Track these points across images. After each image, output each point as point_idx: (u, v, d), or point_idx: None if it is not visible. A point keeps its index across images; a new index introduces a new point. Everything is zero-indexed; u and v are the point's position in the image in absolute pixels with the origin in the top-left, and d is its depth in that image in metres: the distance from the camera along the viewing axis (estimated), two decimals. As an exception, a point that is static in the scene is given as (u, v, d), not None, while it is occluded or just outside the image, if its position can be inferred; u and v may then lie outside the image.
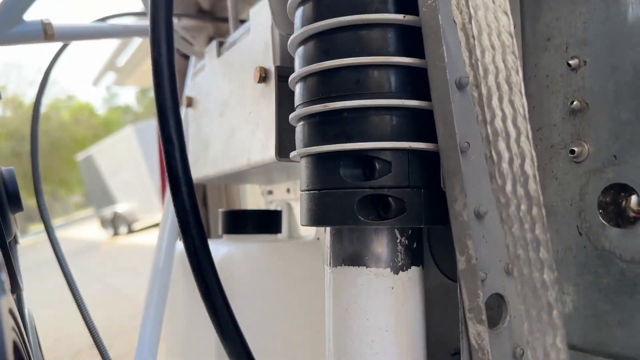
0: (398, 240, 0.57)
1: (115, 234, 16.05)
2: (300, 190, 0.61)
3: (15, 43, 0.96)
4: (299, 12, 0.60)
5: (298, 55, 0.60)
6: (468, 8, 0.47)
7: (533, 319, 0.41)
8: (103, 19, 1.13)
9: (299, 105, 0.60)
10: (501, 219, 0.43)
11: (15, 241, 0.83)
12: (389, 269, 0.56)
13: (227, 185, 1.40)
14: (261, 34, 0.81)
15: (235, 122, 0.87)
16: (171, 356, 1.16)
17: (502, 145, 0.43)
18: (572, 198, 0.56)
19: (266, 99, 0.78)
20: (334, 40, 0.56)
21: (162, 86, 0.71)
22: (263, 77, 0.78)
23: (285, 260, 0.94)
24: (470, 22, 0.47)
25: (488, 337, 0.53)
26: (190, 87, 1.09)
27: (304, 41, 0.59)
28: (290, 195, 1.16)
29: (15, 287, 0.76)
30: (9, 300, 0.52)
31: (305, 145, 0.58)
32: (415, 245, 0.58)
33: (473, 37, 0.46)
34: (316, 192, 0.56)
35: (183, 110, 1.08)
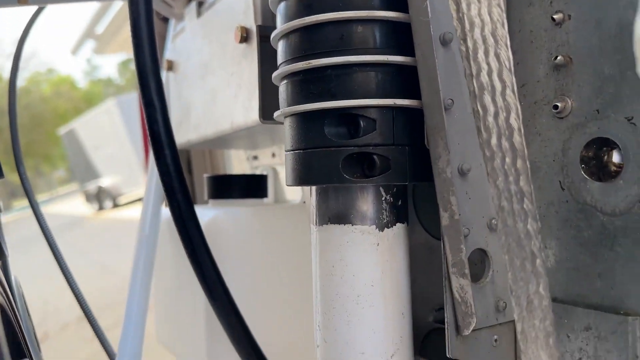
0: (383, 198, 0.57)
1: (100, 208, 15.96)
2: (285, 151, 0.60)
3: (-13, 6, 0.93)
4: (280, -33, 0.59)
5: (280, 11, 0.59)
6: (452, -40, 0.47)
7: (517, 268, 0.41)
8: (79, -18, 1.10)
9: (281, 63, 0.59)
10: (486, 172, 0.43)
11: (-1, 209, 0.82)
12: (374, 226, 0.57)
13: (211, 151, 1.39)
14: (242, -7, 0.79)
15: (217, 85, 0.86)
16: (160, 320, 1.16)
17: (487, 99, 0.43)
18: (554, 154, 0.56)
19: (248, 59, 0.77)
20: (317, -6, 0.55)
21: (141, 47, 0.69)
22: (244, 37, 0.76)
23: (272, 224, 0.94)
24: (454, -26, 0.46)
25: (471, 290, 0.54)
26: (171, 50, 1.06)
27: (286, -3, 0.58)
28: (275, 159, 1.15)
29: (1, 254, 0.76)
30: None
31: (289, 105, 0.58)
32: (400, 202, 0.58)
33: (457, -11, 0.46)
34: (301, 151, 0.56)
35: (164, 75, 1.06)
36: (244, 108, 0.78)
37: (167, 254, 1.04)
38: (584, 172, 0.54)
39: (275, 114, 0.60)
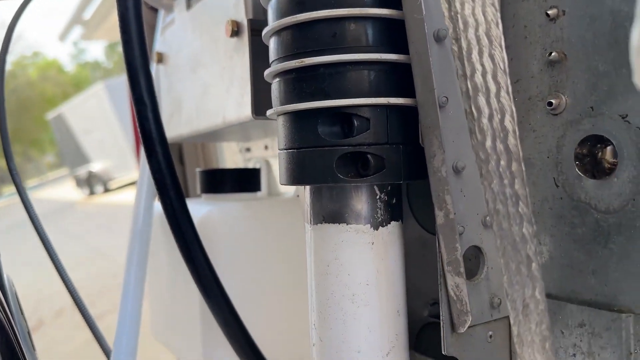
0: (377, 197, 0.57)
1: (91, 193, 15.88)
2: (279, 149, 0.60)
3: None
4: (271, -37, 0.58)
5: (271, 7, 0.58)
6: (446, -43, 0.46)
7: (512, 272, 0.41)
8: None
9: (273, 61, 0.58)
10: (481, 174, 0.43)
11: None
12: (369, 225, 0.56)
13: (203, 143, 1.38)
14: (232, -15, 0.78)
15: (209, 79, 0.85)
16: (155, 316, 1.16)
17: (482, 100, 0.43)
18: (549, 150, 0.56)
19: (239, 54, 0.76)
20: (309, -9, 0.54)
21: (130, 43, 0.68)
22: (235, 31, 0.75)
23: (265, 219, 0.94)
24: (448, -28, 0.45)
25: (466, 288, 0.55)
26: (160, 42, 1.05)
27: (277, -7, 0.57)
28: (268, 152, 1.15)
29: (-10, 253, 0.75)
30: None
31: (282, 103, 0.57)
32: (394, 200, 0.58)
33: (451, -13, 0.45)
34: (294, 150, 0.56)
35: (153, 67, 1.05)
36: (236, 103, 0.77)
37: (161, 247, 1.04)
38: (578, 169, 0.54)
39: (268, 112, 0.60)
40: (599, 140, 0.53)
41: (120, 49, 0.69)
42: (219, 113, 0.82)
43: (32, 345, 0.75)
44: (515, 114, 0.43)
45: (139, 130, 0.70)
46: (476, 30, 0.44)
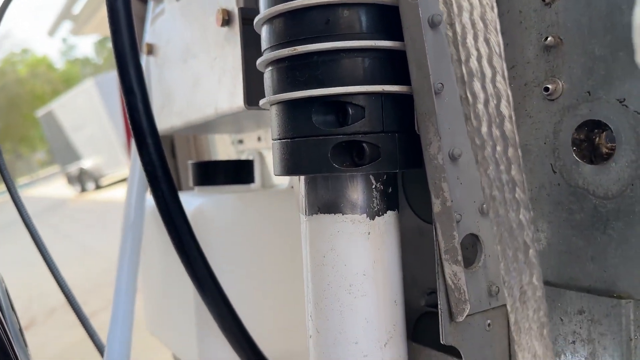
0: (373, 186, 0.56)
1: (83, 190, 15.80)
2: (272, 139, 0.59)
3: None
4: (261, -52, 0.56)
5: (263, -5, 0.57)
6: (441, -61, 0.45)
7: (509, 258, 0.41)
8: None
9: (266, 49, 0.57)
10: (477, 160, 0.42)
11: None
12: (365, 215, 0.56)
13: (195, 136, 1.37)
14: (222, -26, 0.76)
15: (200, 69, 0.84)
16: (149, 309, 1.15)
17: (477, 85, 0.42)
18: (546, 136, 0.56)
19: (231, 43, 0.75)
20: (301, -23, 0.52)
21: (119, 33, 0.67)
22: (226, 20, 0.74)
23: (260, 210, 0.93)
24: (443, -46, 0.44)
25: (464, 276, 0.54)
26: (150, 33, 1.03)
27: (268, -20, 0.56)
28: (261, 143, 1.14)
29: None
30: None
31: (275, 92, 0.56)
32: (390, 189, 0.58)
33: (446, -29, 0.44)
34: (288, 140, 0.55)
35: (143, 58, 1.03)
36: (229, 93, 0.76)
37: (154, 241, 1.03)
38: (576, 155, 0.53)
39: (261, 101, 0.59)
40: (597, 125, 0.52)
41: (110, 44, 0.68)
42: (210, 104, 0.81)
43: (25, 342, 0.74)
44: (511, 99, 0.42)
45: (129, 121, 0.69)
46: (471, 14, 0.43)
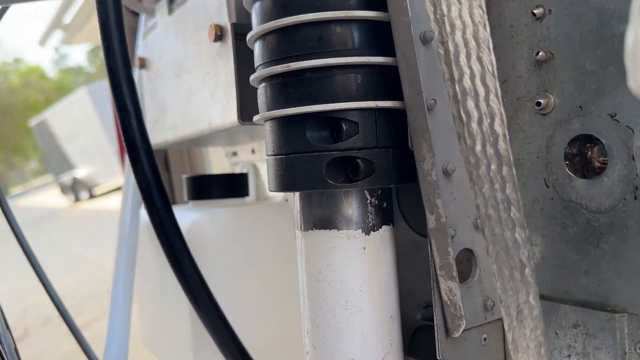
0: (368, 201, 0.56)
1: (77, 199, 15.73)
2: (267, 155, 0.59)
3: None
4: (253, -34, 0.57)
5: (255, 11, 0.57)
6: (432, -42, 0.45)
7: (506, 277, 0.41)
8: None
9: (259, 65, 0.57)
10: (471, 179, 0.42)
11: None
12: (360, 230, 0.56)
13: (189, 148, 1.37)
14: (214, -12, 0.76)
15: (193, 84, 0.84)
16: (145, 323, 1.15)
17: (470, 104, 0.42)
18: (538, 150, 0.56)
19: (224, 58, 0.75)
20: (293, -5, 0.53)
21: (112, 50, 0.67)
22: (219, 36, 0.74)
23: (254, 224, 0.93)
24: (434, -27, 0.45)
25: (459, 292, 0.54)
26: (142, 47, 1.03)
27: (260, -3, 0.56)
28: (255, 156, 1.14)
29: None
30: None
31: (269, 109, 0.56)
32: (385, 204, 0.58)
33: (438, -11, 0.45)
34: (283, 156, 0.55)
35: (136, 72, 1.03)
36: (222, 109, 0.76)
37: (149, 255, 1.02)
38: (569, 169, 0.53)
39: (255, 118, 0.59)
40: (589, 140, 0.52)
41: (102, 53, 0.68)
42: (204, 118, 0.81)
43: (18, 357, 0.73)
44: (505, 118, 0.42)
45: (123, 138, 0.69)
46: (463, 32, 0.44)
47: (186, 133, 0.86)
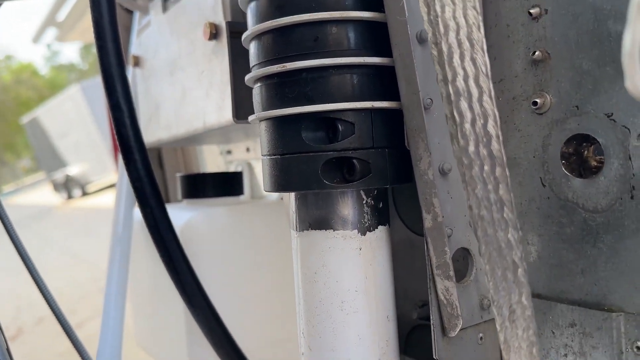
0: (364, 202, 0.56)
1: (69, 197, 15.65)
2: (262, 155, 0.58)
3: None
4: (249, -35, 0.56)
5: (250, 11, 0.57)
6: (428, -43, 0.45)
7: (498, 277, 0.41)
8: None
9: (254, 65, 0.57)
10: (464, 180, 0.42)
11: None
12: (356, 231, 0.56)
13: (183, 147, 1.36)
14: (209, -14, 0.76)
15: (187, 83, 0.83)
16: (139, 323, 1.14)
17: (464, 105, 0.42)
18: (535, 150, 0.56)
19: (219, 57, 0.74)
20: (289, -6, 0.52)
21: (105, 49, 0.66)
22: (214, 34, 0.73)
23: (249, 223, 0.93)
24: (430, -28, 0.44)
25: (456, 291, 0.54)
26: (136, 45, 1.02)
27: (256, -4, 0.55)
28: (250, 154, 1.13)
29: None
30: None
31: (264, 109, 0.56)
32: (381, 205, 0.57)
33: (433, -12, 0.44)
34: (278, 157, 0.55)
35: (129, 70, 1.03)
36: (217, 107, 0.76)
37: (142, 254, 1.02)
38: (565, 169, 0.53)
39: (250, 118, 0.58)
40: (585, 139, 0.52)
41: (95, 50, 0.67)
42: (198, 117, 0.80)
43: (11, 357, 0.72)
44: (498, 119, 0.42)
45: (116, 137, 0.68)
46: (457, 33, 0.43)
47: (180, 132, 0.86)
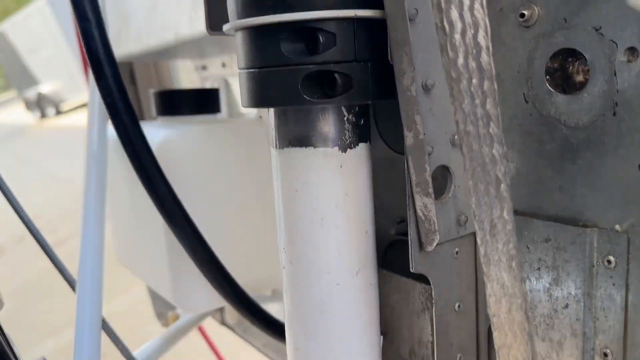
0: (345, 118, 0.55)
1: (43, 116, 15.28)
2: (239, 68, 0.56)
3: None
4: None
5: None
6: None
7: (481, 192, 0.41)
8: None
9: (229, -30, 0.53)
10: (451, 94, 0.41)
11: None
12: (336, 148, 0.55)
13: (156, 61, 1.31)
14: None
15: (158, -9, 0.78)
16: (119, 241, 1.15)
17: (454, 13, 0.40)
18: (519, 65, 0.54)
19: (190, -38, 0.70)
20: None
21: (67, -49, 0.61)
22: (185, -63, 0.68)
23: (227, 142, 0.91)
24: None
25: (434, 208, 0.54)
26: (103, -49, 0.95)
27: None
28: (226, 70, 1.09)
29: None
30: None
31: (240, 17, 0.53)
32: (362, 121, 0.56)
33: None
34: (256, 70, 0.52)
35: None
36: (189, 17, 0.72)
37: (120, 171, 1.00)
38: (549, 85, 0.52)
39: (225, 27, 0.55)
40: (571, 54, 0.51)
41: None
42: (170, 29, 0.76)
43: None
44: (489, 29, 0.40)
45: (84, 49, 0.65)
46: None
47: (151, 44, 0.82)
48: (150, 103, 1.03)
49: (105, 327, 0.97)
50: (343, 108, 0.54)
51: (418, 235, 0.55)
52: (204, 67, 1.17)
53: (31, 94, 15.58)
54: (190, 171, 0.86)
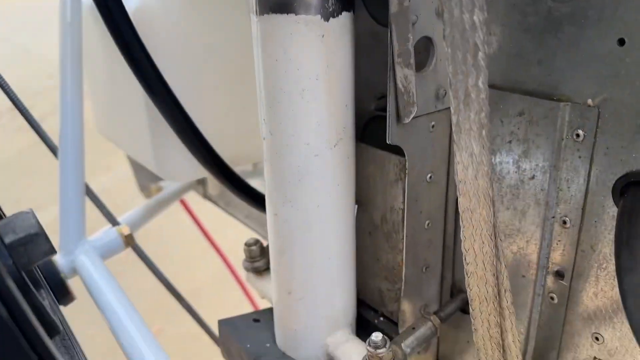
0: (328, -17, 0.53)
1: (10, -15, 14.30)
2: None
3: None
4: None
5: None
6: None
7: (458, 61, 0.41)
8: None
9: None
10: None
11: None
12: (319, 16, 0.53)
13: None
14: None
15: None
16: (98, 112, 1.14)
17: None
18: None
19: None
20: None
21: None
22: None
23: (207, 6, 0.87)
24: None
25: (414, 79, 0.55)
26: None
27: None
28: None
29: None
30: None
31: None
32: (346, -12, 0.55)
33: None
34: None
35: None
36: None
37: (96, 41, 0.97)
38: (539, -47, 0.51)
39: None
40: None
41: None
42: None
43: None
44: None
45: None
46: None
47: None
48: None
49: (89, 193, 1.00)
50: (326, -28, 0.52)
51: (396, 107, 0.56)
52: None
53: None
54: (169, 38, 0.83)
